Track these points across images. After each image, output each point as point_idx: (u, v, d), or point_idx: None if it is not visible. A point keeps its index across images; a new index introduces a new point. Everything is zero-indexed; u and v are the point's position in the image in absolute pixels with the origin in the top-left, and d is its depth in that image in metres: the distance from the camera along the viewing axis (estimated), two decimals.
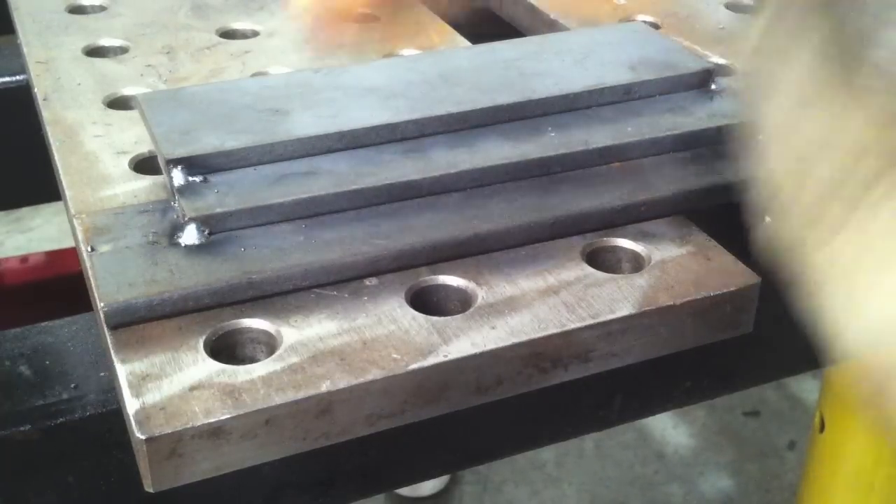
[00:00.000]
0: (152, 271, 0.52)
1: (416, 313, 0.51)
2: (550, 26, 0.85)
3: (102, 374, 0.56)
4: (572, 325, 0.51)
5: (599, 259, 0.56)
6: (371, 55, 0.80)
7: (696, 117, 0.65)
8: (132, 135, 0.66)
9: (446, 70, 0.67)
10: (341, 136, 0.60)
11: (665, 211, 0.59)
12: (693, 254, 0.56)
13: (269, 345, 0.50)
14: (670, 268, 0.55)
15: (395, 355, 0.48)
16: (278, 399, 0.46)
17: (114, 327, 0.50)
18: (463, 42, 0.82)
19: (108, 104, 0.71)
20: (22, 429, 0.54)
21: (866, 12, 0.40)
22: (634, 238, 0.58)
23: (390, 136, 0.61)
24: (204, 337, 0.50)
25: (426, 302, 0.53)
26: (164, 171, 0.59)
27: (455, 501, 1.93)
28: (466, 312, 0.52)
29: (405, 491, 1.90)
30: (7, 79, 0.88)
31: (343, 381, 0.47)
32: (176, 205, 0.57)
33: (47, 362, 0.57)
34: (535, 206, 0.58)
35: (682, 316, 0.53)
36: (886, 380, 0.35)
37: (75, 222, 0.57)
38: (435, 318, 0.51)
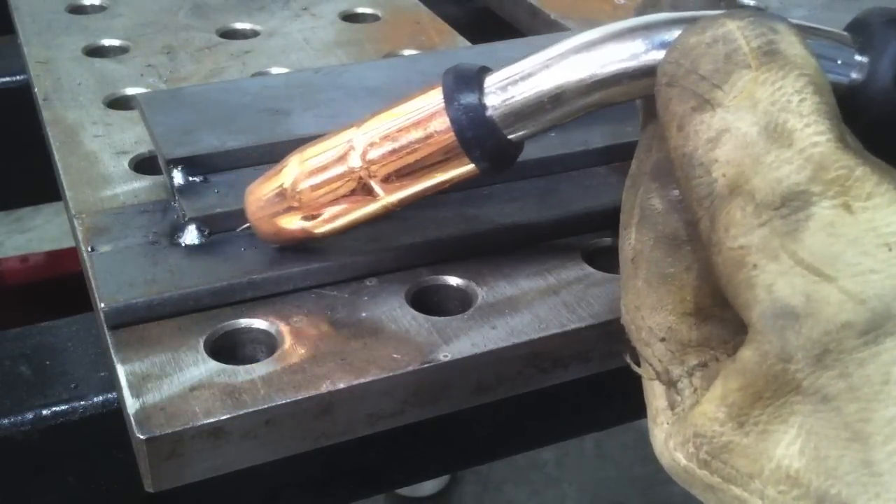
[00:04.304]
0: (152, 271, 0.52)
1: (416, 313, 0.51)
2: (550, 26, 0.85)
3: (102, 374, 0.56)
4: (572, 325, 0.51)
5: (599, 259, 0.56)
6: (371, 55, 0.80)
7: None
8: (132, 135, 0.66)
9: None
10: None
11: None
12: None
13: (269, 345, 0.50)
14: None
15: (395, 355, 0.48)
16: (278, 399, 0.46)
17: (114, 327, 0.50)
18: (463, 42, 0.82)
19: (108, 104, 0.71)
20: (22, 429, 0.54)
21: None
22: None
23: None
24: (204, 337, 0.50)
25: (426, 302, 0.53)
26: (164, 171, 0.59)
27: (455, 501, 1.93)
28: (466, 312, 0.52)
29: (405, 491, 1.90)
30: (7, 79, 0.88)
31: (343, 381, 0.47)
32: (176, 205, 0.57)
33: (47, 362, 0.57)
34: (535, 206, 0.58)
35: None
36: None
37: (75, 222, 0.57)
38: (435, 318, 0.51)
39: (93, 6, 0.89)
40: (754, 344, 0.35)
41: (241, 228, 0.54)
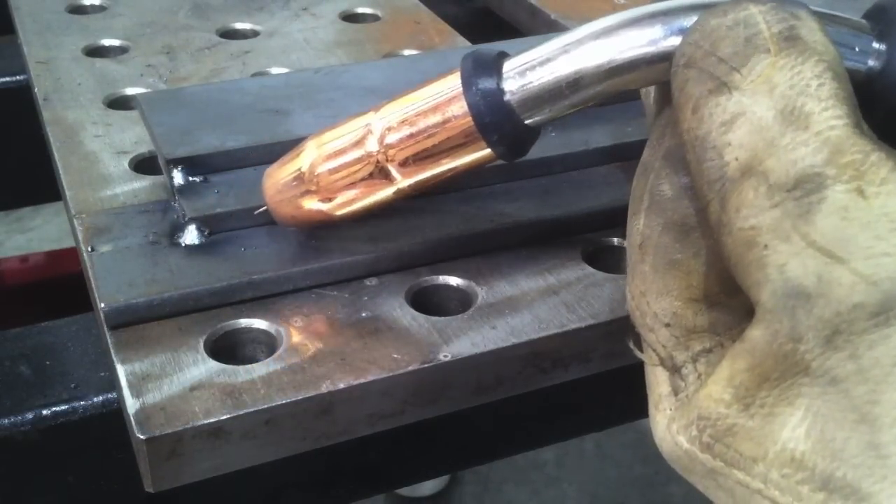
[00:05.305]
0: (152, 271, 0.52)
1: (416, 313, 0.51)
2: (550, 26, 0.85)
3: (102, 374, 0.56)
4: (572, 325, 0.51)
5: (599, 259, 0.56)
6: (371, 55, 0.80)
7: None
8: (132, 135, 0.66)
9: (446, 70, 0.67)
10: None
11: None
12: None
13: (269, 345, 0.50)
14: None
15: (395, 355, 0.48)
16: (278, 399, 0.46)
17: (114, 327, 0.50)
18: (463, 42, 0.82)
19: (108, 104, 0.71)
20: (22, 429, 0.54)
21: None
22: None
23: None
24: (204, 337, 0.50)
25: (426, 302, 0.53)
26: (164, 171, 0.59)
27: (455, 501, 1.93)
28: (466, 312, 0.52)
29: (405, 491, 1.90)
30: (7, 79, 0.88)
31: (343, 381, 0.47)
32: (176, 205, 0.57)
33: (47, 362, 0.57)
34: (535, 206, 0.58)
35: None
36: None
37: (75, 222, 0.57)
38: (435, 318, 0.51)
39: (93, 6, 0.89)
40: (764, 323, 0.35)
41: (258, 212, 0.54)
